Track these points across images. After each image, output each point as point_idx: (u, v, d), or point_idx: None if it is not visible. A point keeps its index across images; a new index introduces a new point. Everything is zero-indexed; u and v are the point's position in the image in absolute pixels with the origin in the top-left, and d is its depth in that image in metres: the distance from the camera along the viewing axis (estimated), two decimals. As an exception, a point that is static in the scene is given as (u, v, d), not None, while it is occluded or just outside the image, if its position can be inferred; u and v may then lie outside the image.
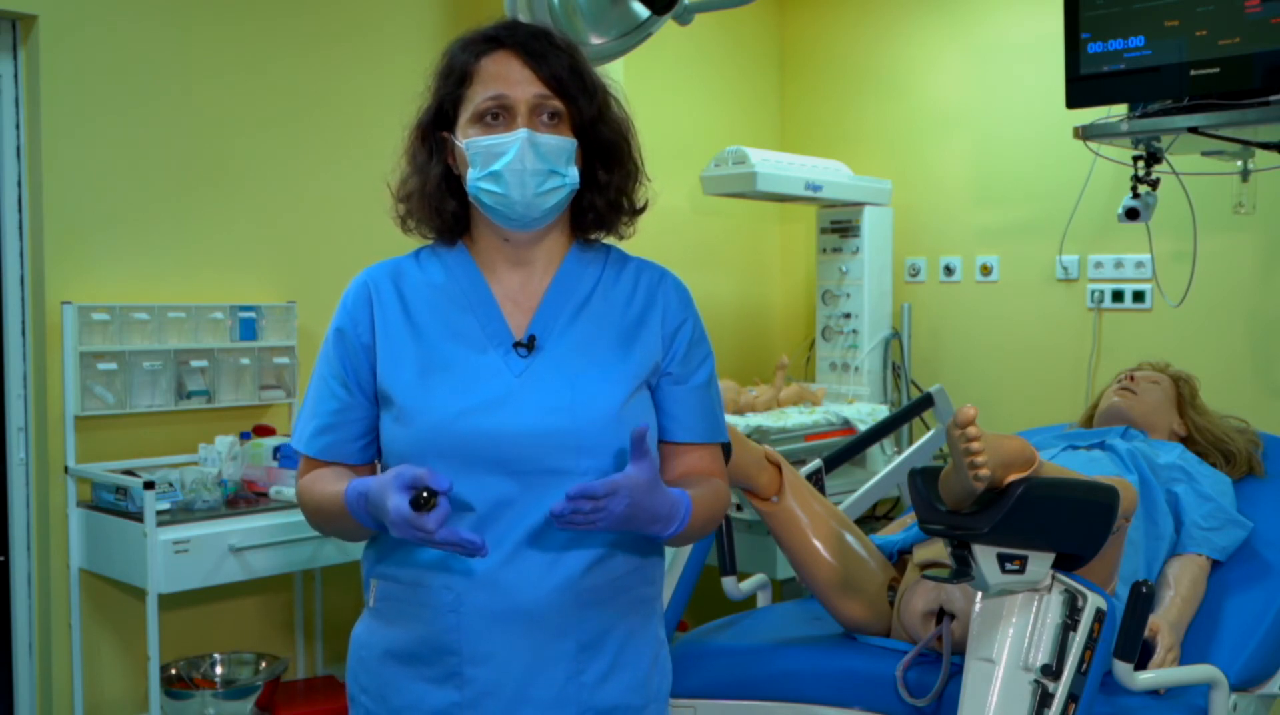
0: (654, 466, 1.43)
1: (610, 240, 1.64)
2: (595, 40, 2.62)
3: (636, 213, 1.61)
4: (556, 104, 1.50)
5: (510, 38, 1.52)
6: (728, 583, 2.60)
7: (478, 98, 1.50)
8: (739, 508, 3.16)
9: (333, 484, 1.50)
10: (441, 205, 1.55)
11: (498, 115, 1.49)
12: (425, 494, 1.34)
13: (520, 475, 1.47)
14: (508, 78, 1.49)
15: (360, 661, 1.57)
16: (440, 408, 1.48)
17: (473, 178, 1.50)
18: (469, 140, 1.50)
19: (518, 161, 1.47)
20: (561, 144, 1.50)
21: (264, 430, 3.28)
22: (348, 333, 1.56)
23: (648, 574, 1.59)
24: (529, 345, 1.52)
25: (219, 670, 3.27)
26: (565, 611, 1.49)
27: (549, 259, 1.57)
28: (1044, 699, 1.86)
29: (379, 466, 1.59)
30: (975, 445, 1.80)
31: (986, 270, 4.07)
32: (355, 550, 3.06)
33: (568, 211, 1.57)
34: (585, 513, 1.37)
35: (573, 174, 1.51)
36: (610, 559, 1.52)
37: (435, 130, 1.55)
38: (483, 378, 1.50)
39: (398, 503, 1.35)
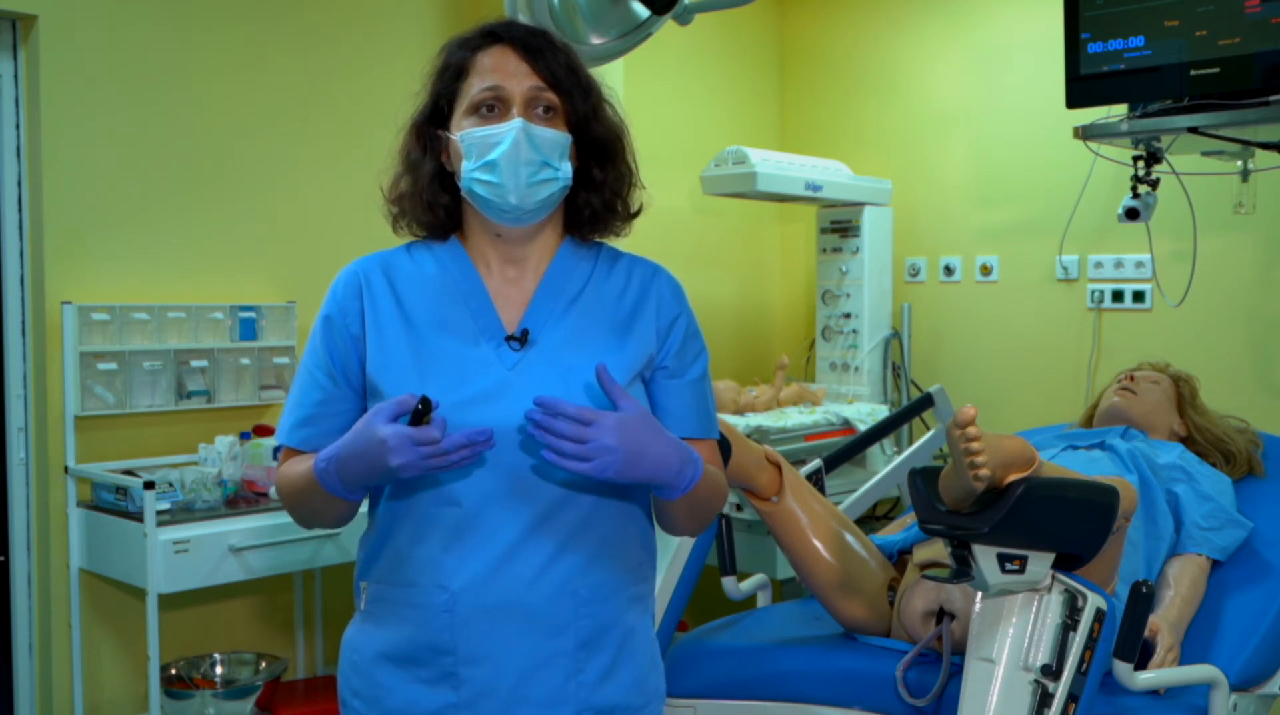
0: (642, 406, 1.42)
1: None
2: (595, 40, 2.62)
3: (631, 216, 1.60)
4: (552, 98, 1.50)
5: (507, 33, 1.52)
6: (728, 583, 2.60)
7: (473, 90, 1.50)
8: (739, 508, 3.16)
9: (304, 463, 1.49)
10: (434, 201, 1.54)
11: (493, 107, 1.49)
12: (421, 404, 1.32)
13: (514, 469, 1.45)
14: (504, 69, 1.50)
15: (352, 665, 1.55)
16: None
17: (467, 169, 1.49)
18: (464, 132, 1.49)
19: (513, 151, 1.46)
20: (556, 137, 1.49)
21: (264, 430, 3.28)
22: (335, 322, 1.54)
23: (645, 571, 1.58)
24: (521, 339, 1.50)
25: (219, 670, 3.27)
26: (563, 609, 1.47)
27: (541, 256, 1.56)
28: (1044, 699, 1.86)
29: None
30: (975, 445, 1.80)
31: (986, 270, 4.07)
32: (355, 550, 3.07)
33: (561, 212, 1.57)
34: (569, 438, 1.34)
35: (566, 169, 1.50)
36: (609, 554, 1.51)
37: (430, 128, 1.55)
38: (475, 371, 1.48)
39: (395, 429, 1.34)
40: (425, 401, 1.34)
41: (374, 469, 1.38)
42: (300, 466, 1.49)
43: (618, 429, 1.36)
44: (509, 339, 1.51)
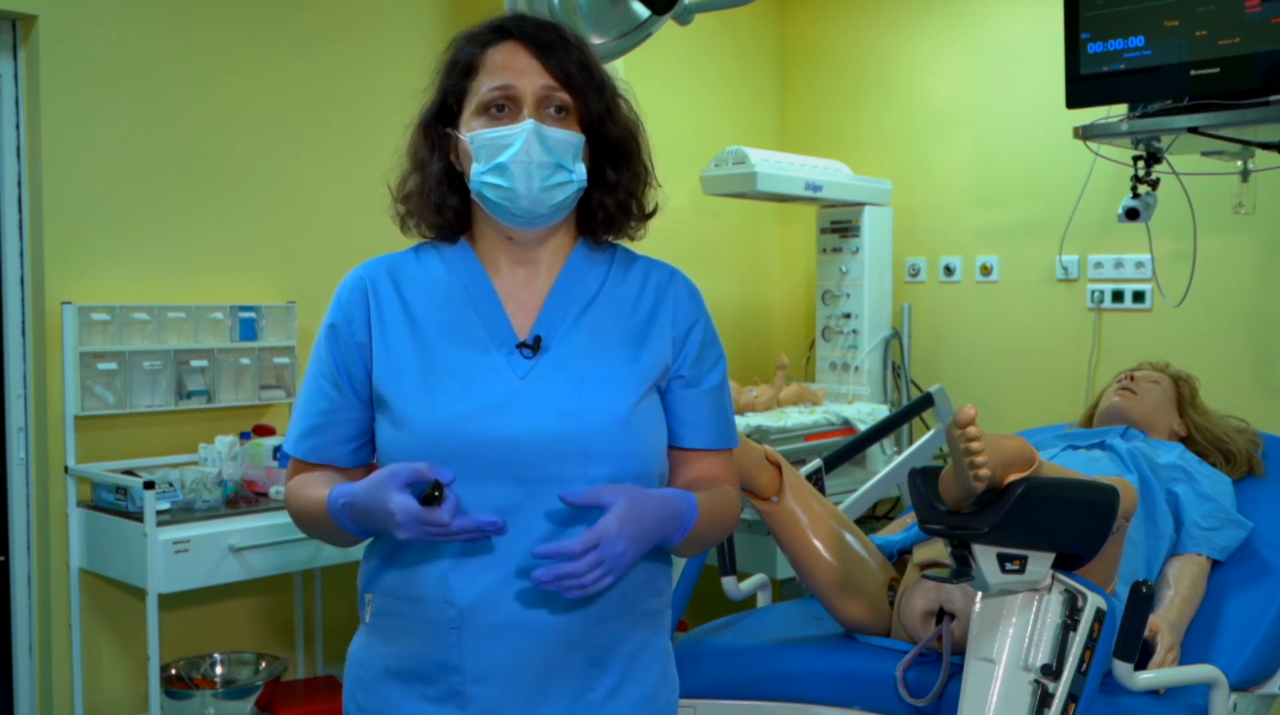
0: (623, 488, 1.38)
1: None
2: (595, 40, 2.62)
3: (646, 216, 1.55)
4: (564, 97, 1.45)
5: (518, 28, 1.47)
6: (728, 583, 2.60)
7: (483, 88, 1.45)
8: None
9: (317, 489, 1.45)
10: (443, 202, 1.50)
11: (503, 107, 1.44)
12: (434, 489, 1.29)
13: (524, 482, 1.41)
14: (514, 67, 1.44)
15: (358, 680, 1.52)
16: (441, 412, 1.42)
17: (476, 172, 1.44)
18: (473, 133, 1.44)
19: (524, 153, 1.41)
20: (569, 138, 1.44)
21: (264, 430, 3.28)
22: (341, 329, 1.50)
23: (657, 585, 1.55)
24: (534, 346, 1.46)
25: (219, 670, 3.27)
26: (573, 626, 1.44)
27: (554, 258, 1.52)
28: (1044, 699, 1.86)
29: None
30: (975, 445, 1.79)
31: (986, 270, 4.07)
32: (356, 551, 3.07)
33: (574, 212, 1.52)
34: (582, 574, 1.32)
35: (580, 171, 1.46)
36: None
37: (438, 126, 1.50)
38: (485, 380, 1.44)
39: (404, 502, 1.30)
40: (438, 485, 1.30)
41: (383, 527, 1.37)
42: (313, 493, 1.46)
43: (621, 532, 1.34)
44: (521, 346, 1.46)
